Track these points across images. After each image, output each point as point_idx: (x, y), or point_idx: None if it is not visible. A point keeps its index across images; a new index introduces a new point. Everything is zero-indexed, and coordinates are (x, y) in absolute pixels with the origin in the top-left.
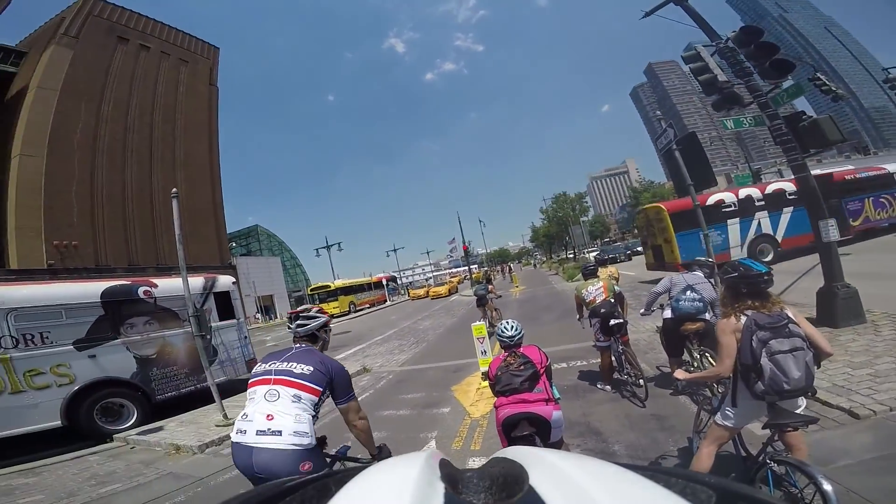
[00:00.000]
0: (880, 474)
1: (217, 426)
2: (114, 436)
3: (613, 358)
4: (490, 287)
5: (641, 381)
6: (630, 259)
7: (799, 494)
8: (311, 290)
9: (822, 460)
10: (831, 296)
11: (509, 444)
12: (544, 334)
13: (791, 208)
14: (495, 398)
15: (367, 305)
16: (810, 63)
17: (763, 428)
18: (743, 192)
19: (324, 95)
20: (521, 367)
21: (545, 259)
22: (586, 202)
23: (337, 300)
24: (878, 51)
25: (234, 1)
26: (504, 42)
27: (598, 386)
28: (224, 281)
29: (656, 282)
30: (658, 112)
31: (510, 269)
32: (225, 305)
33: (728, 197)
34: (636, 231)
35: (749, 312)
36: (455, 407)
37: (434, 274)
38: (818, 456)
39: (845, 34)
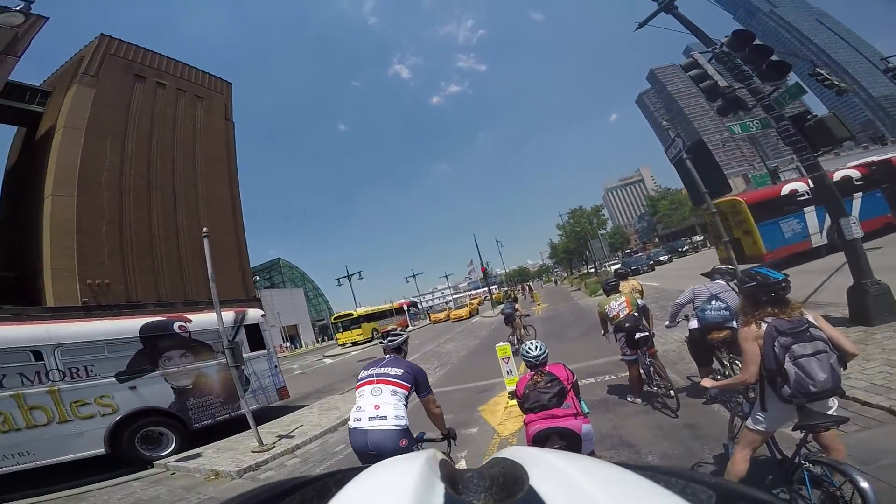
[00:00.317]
0: None
1: (253, 452)
2: (154, 462)
3: (642, 370)
4: (517, 306)
5: (672, 392)
6: (653, 269)
7: (838, 493)
8: (335, 319)
9: (864, 460)
10: (862, 293)
11: None
12: (570, 351)
13: (860, 193)
14: (524, 415)
15: None
16: (809, 58)
17: (794, 430)
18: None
19: (334, 125)
20: (548, 385)
21: (566, 275)
22: (603, 214)
23: (360, 327)
24: (873, 38)
25: (241, 36)
26: (505, 59)
27: (629, 399)
28: (253, 314)
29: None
30: (665, 122)
31: (530, 288)
32: (255, 337)
33: (801, 186)
34: (657, 240)
35: (769, 319)
36: (483, 427)
37: (453, 297)
38: (860, 455)
39: (837, 24)
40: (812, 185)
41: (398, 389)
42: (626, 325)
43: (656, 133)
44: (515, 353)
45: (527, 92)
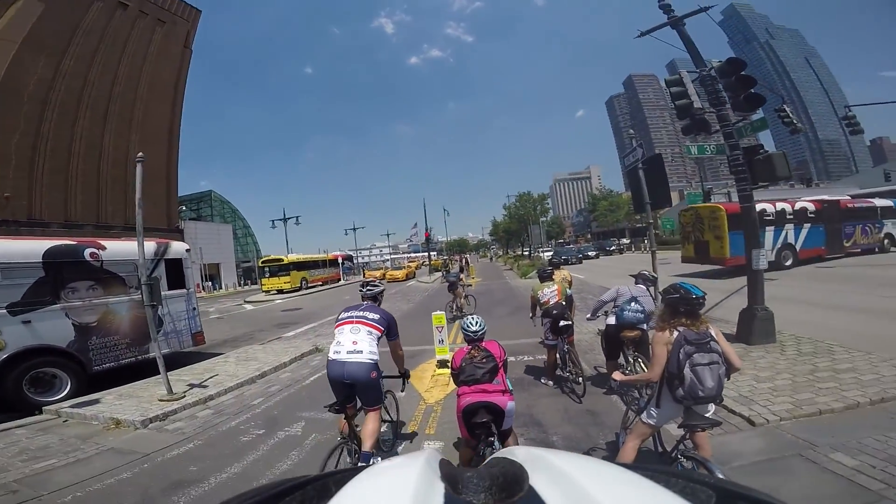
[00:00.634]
0: (764, 475)
1: (161, 400)
2: (44, 408)
3: (558, 356)
4: (461, 276)
5: (580, 379)
6: (581, 262)
7: None
8: (263, 263)
9: (721, 460)
10: (751, 316)
11: (468, 430)
12: (496, 327)
13: (809, 225)
14: (457, 387)
15: (320, 283)
16: (780, 94)
17: (678, 427)
18: (779, 205)
19: (301, 67)
20: (484, 360)
21: (501, 253)
22: (547, 203)
23: (289, 275)
24: (848, 82)
25: None
26: (495, 36)
27: (542, 381)
28: (177, 248)
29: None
30: (632, 131)
31: (467, 261)
32: (175, 273)
33: (769, 207)
34: (589, 236)
35: (681, 328)
36: (410, 392)
37: (392, 256)
38: (718, 456)
39: (823, 66)
40: (741, 211)
41: (373, 331)
42: (554, 312)
43: (615, 137)
44: (452, 320)
45: (506, 73)
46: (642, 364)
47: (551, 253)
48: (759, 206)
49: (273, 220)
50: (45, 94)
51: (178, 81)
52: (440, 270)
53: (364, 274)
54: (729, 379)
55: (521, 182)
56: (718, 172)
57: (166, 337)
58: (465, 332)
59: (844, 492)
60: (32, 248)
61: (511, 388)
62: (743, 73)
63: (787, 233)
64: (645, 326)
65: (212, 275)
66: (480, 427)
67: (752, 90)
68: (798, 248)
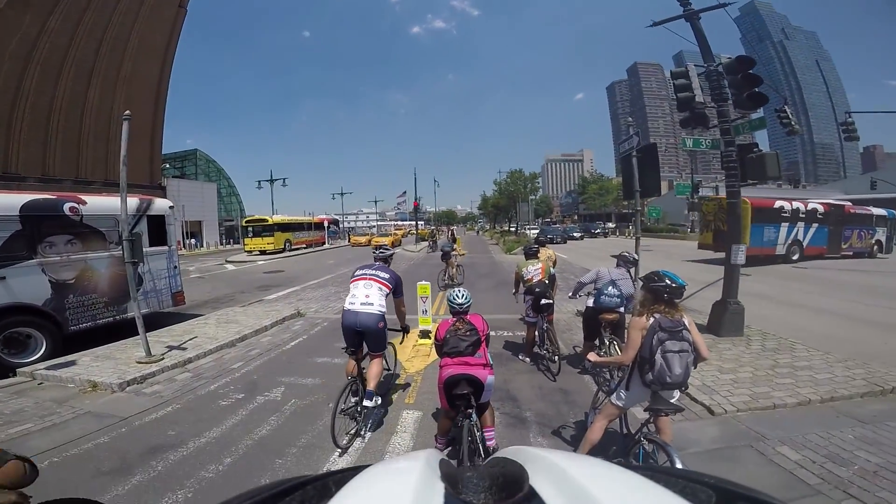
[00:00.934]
0: (716, 462)
1: (139, 363)
2: (17, 370)
3: (537, 333)
4: (455, 246)
5: (556, 358)
6: (565, 242)
7: None
8: (247, 222)
9: (679, 445)
10: (723, 309)
11: (448, 401)
12: (479, 301)
13: (816, 225)
14: (440, 358)
15: (304, 245)
16: (783, 95)
17: (644, 410)
18: (795, 204)
19: (300, 30)
20: (468, 333)
21: (488, 228)
22: (538, 182)
23: (273, 236)
24: (858, 89)
25: None
26: (502, 11)
27: (520, 357)
28: (160, 204)
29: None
30: (630, 119)
31: (453, 233)
32: (157, 230)
33: (786, 205)
34: (576, 218)
35: (657, 315)
36: (390, 360)
37: (378, 223)
38: (677, 441)
39: (832, 70)
40: (728, 210)
41: (383, 287)
42: (537, 289)
43: (612, 123)
44: (444, 288)
45: (509, 49)
46: (617, 347)
47: (537, 231)
48: (777, 203)
49: (259, 181)
50: (27, 52)
51: (170, 41)
52: (427, 240)
53: (349, 239)
54: (696, 368)
55: (513, 159)
56: (710, 166)
57: (146, 296)
58: (451, 304)
59: (784, 484)
60: (10, 201)
61: (492, 362)
62: (751, 71)
63: (798, 230)
64: (622, 310)
65: (193, 232)
66: (460, 399)
67: (757, 89)
68: (805, 244)
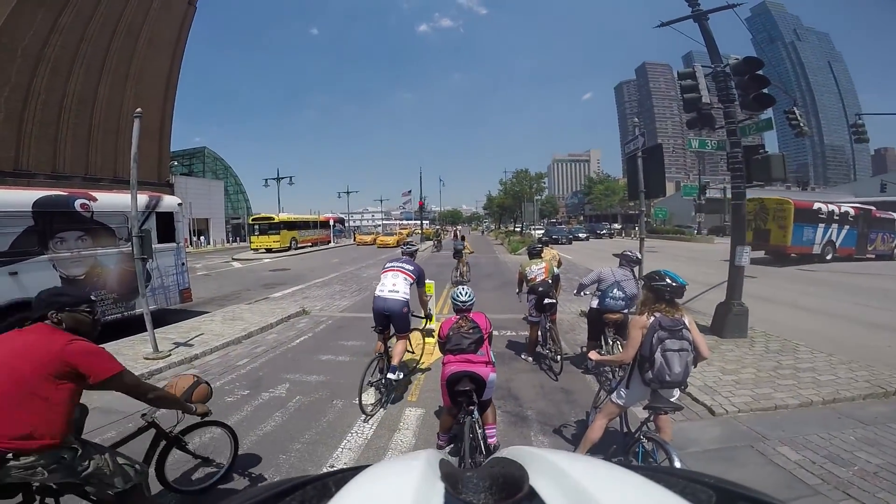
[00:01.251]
0: (715, 462)
1: (146, 359)
2: None
3: (540, 333)
4: (465, 244)
5: (559, 357)
6: (570, 243)
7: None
8: (253, 220)
9: (680, 445)
10: (727, 310)
11: (450, 398)
12: (482, 301)
13: (847, 227)
14: (443, 355)
15: (310, 244)
16: (793, 96)
17: (644, 409)
18: (830, 206)
19: (309, 27)
20: (471, 331)
21: (493, 228)
22: (544, 182)
23: (279, 234)
24: (865, 90)
25: None
26: (510, 9)
27: (522, 356)
28: (169, 201)
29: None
30: (636, 119)
31: (456, 234)
32: (166, 227)
33: (824, 207)
34: (582, 218)
35: (657, 314)
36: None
37: (384, 222)
38: (678, 441)
39: (844, 71)
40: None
41: (408, 278)
42: (540, 289)
43: (619, 123)
44: (455, 283)
45: (517, 49)
46: (620, 346)
47: (542, 231)
48: (815, 205)
49: (266, 179)
50: (39, 49)
51: (180, 37)
52: (432, 240)
53: (355, 237)
54: (696, 367)
55: (519, 159)
56: (717, 167)
57: (154, 293)
58: (455, 302)
59: (784, 484)
60: (23, 197)
61: (494, 360)
62: (758, 72)
63: (832, 231)
64: (626, 311)
65: (200, 230)
66: (462, 395)
67: (765, 90)
68: (837, 245)
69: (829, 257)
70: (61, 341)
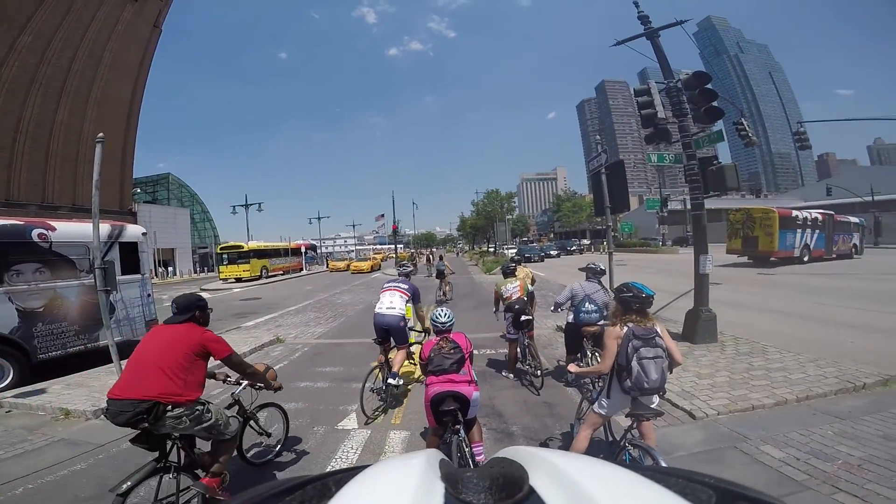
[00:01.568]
0: (702, 464)
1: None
2: None
3: (519, 350)
4: (446, 263)
5: (539, 372)
6: (542, 261)
7: None
8: (221, 249)
9: (665, 450)
10: (696, 317)
11: (435, 418)
12: (460, 321)
13: (818, 231)
14: (425, 377)
15: (281, 272)
16: (740, 108)
17: (626, 416)
18: (804, 213)
19: (277, 51)
20: (452, 351)
21: (467, 249)
22: (514, 202)
23: (248, 263)
24: (811, 99)
25: None
26: (477, 34)
27: (503, 374)
28: (133, 231)
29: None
30: (598, 137)
31: (430, 257)
32: (130, 258)
33: (800, 214)
34: (552, 236)
35: (630, 324)
36: (376, 383)
37: (357, 248)
38: (662, 446)
39: (784, 82)
40: (693, 223)
41: (403, 296)
42: (516, 307)
43: (583, 140)
44: (438, 303)
45: (484, 71)
46: (598, 358)
47: (515, 250)
48: (794, 213)
49: (234, 206)
50: None
51: (144, 61)
52: (404, 263)
53: (328, 264)
54: (671, 373)
55: (490, 179)
56: (677, 180)
57: (118, 324)
58: (434, 324)
59: (773, 482)
60: None
61: (476, 378)
62: (707, 86)
63: (807, 235)
64: (602, 322)
65: (166, 260)
66: (447, 415)
67: (714, 103)
68: (811, 248)
69: (805, 259)
70: (199, 331)
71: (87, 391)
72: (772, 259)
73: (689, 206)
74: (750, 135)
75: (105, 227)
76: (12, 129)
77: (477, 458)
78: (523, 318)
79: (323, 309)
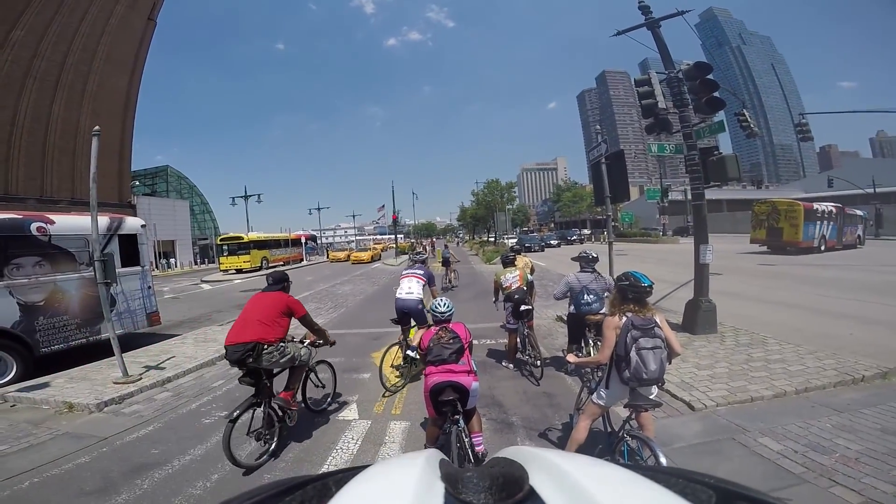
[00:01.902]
0: (701, 456)
1: (115, 383)
2: None
3: (519, 340)
4: (451, 254)
5: (538, 363)
6: (543, 250)
7: (643, 464)
8: (221, 241)
9: (664, 441)
10: (696, 307)
11: (435, 408)
12: (461, 311)
13: (832, 223)
14: (424, 367)
15: (282, 263)
16: (742, 99)
17: (624, 407)
18: (822, 206)
19: (274, 42)
20: (451, 341)
21: (468, 239)
22: (514, 192)
23: (249, 254)
24: (813, 91)
25: None
26: (477, 24)
27: (503, 364)
28: (132, 223)
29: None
30: (598, 127)
31: (432, 246)
32: (130, 250)
33: (819, 207)
34: (552, 225)
35: (629, 314)
36: (375, 373)
37: (357, 238)
38: (661, 437)
39: (787, 73)
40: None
41: (420, 281)
42: (516, 296)
43: (583, 130)
44: (444, 290)
45: (484, 61)
46: (598, 348)
47: (515, 240)
48: (814, 206)
49: (234, 198)
50: None
51: (139, 55)
52: (407, 254)
53: (328, 255)
54: (670, 363)
55: (490, 169)
56: (677, 170)
57: (119, 317)
58: (434, 314)
59: (771, 474)
60: None
61: (475, 368)
62: (708, 77)
63: (823, 226)
64: (604, 310)
65: (166, 252)
66: (447, 405)
67: (715, 94)
68: (827, 238)
69: (822, 249)
70: (286, 296)
71: (89, 385)
72: (787, 248)
73: (689, 197)
74: (752, 125)
75: (104, 220)
76: (8, 123)
77: (476, 448)
78: (523, 307)
79: (323, 300)
